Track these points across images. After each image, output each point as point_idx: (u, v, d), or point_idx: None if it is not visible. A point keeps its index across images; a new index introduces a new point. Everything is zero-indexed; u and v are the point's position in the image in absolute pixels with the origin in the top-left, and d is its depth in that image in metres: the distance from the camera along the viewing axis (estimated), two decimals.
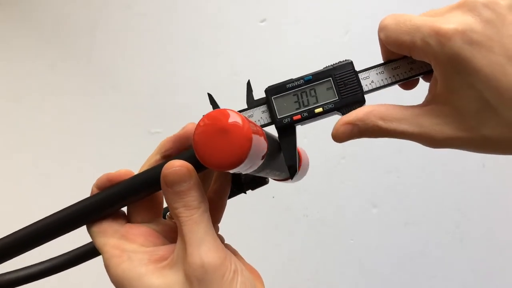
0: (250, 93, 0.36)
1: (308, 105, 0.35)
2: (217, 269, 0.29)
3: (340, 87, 0.34)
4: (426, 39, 0.29)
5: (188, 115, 0.92)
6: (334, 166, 0.91)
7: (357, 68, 0.35)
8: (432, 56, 0.30)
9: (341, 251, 0.91)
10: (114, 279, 0.31)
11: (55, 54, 0.88)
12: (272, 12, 0.91)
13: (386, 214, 0.92)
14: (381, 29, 0.32)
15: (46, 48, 0.89)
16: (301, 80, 0.35)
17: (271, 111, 0.35)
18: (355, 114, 0.33)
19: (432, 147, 0.32)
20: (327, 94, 0.34)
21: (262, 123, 0.35)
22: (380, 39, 0.33)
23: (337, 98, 0.34)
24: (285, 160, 0.35)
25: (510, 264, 0.92)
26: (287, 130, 0.35)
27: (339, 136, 0.33)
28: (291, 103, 0.35)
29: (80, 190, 0.93)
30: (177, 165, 0.31)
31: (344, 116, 0.33)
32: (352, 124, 0.33)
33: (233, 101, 0.89)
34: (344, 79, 0.34)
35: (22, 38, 0.88)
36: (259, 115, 0.36)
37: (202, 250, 0.30)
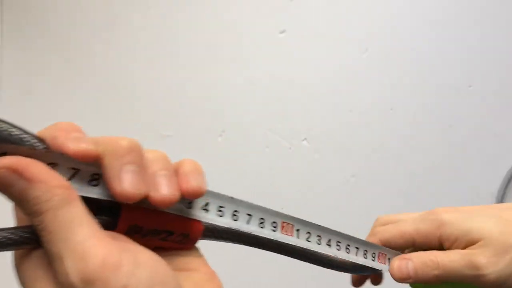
0: None
1: None
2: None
3: None
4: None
5: (200, 119, 0.93)
6: (342, 185, 0.90)
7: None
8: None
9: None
10: None
11: (71, 51, 0.90)
12: (292, 24, 0.91)
13: None
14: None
15: (61, 45, 0.90)
16: None
17: None
18: None
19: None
20: None
21: None
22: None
23: None
24: None
25: None
26: None
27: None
28: None
29: None
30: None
31: None
32: None
33: (248, 108, 0.89)
34: None
35: (37, 34, 0.90)
36: None
37: None
